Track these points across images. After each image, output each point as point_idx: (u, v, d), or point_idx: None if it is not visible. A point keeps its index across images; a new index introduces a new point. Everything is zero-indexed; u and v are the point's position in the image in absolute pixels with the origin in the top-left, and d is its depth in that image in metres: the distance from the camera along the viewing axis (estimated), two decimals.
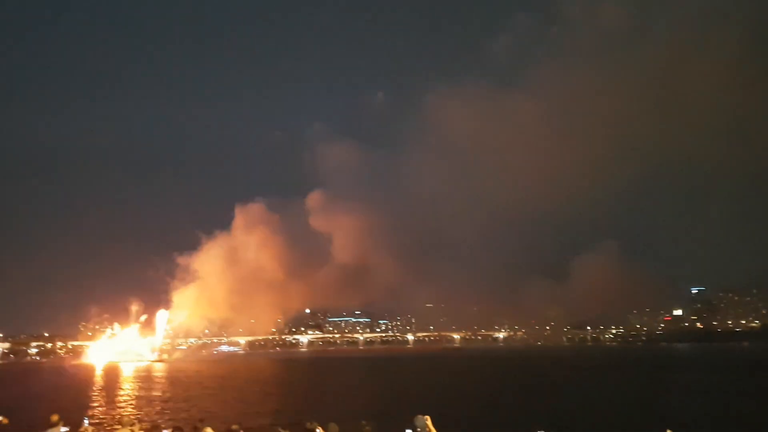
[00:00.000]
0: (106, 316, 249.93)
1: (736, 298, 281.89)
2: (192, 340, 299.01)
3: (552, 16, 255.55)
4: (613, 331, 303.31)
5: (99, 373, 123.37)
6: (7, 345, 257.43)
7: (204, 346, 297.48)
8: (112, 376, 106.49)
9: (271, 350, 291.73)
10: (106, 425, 35.30)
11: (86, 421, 12.27)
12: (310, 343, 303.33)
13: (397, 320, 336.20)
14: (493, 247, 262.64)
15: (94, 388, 76.22)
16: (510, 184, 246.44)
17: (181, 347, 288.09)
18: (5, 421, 13.53)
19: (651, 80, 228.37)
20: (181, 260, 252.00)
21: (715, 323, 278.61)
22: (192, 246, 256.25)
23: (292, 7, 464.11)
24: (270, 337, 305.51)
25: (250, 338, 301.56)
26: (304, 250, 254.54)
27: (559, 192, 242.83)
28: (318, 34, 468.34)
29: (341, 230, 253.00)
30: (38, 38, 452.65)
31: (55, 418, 11.20)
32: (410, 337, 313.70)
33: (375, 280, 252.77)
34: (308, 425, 9.80)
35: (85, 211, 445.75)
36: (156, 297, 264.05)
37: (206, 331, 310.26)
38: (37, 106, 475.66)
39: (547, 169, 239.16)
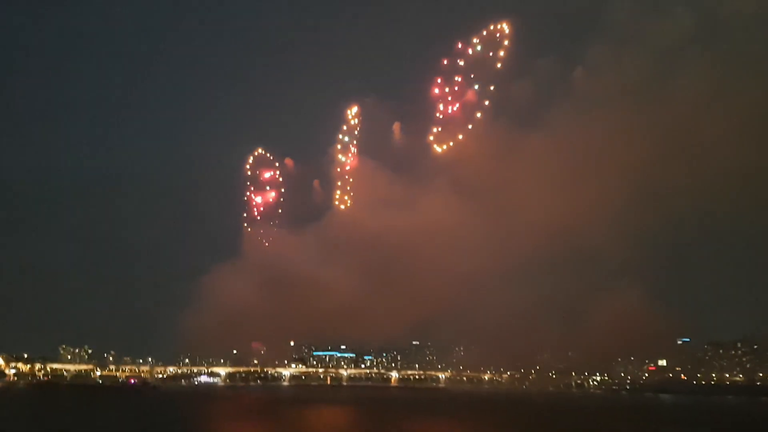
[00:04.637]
0: None
1: (722, 351, 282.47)
2: (171, 368, 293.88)
3: (574, 60, 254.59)
4: (598, 378, 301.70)
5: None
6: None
7: (183, 375, 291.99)
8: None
9: (252, 383, 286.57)
10: None
11: None
12: (293, 377, 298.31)
13: (383, 357, 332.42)
14: (502, 287, 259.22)
15: None
16: (524, 227, 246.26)
17: (159, 375, 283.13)
18: None
19: (674, 127, 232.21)
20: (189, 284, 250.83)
21: (699, 375, 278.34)
22: (198, 271, 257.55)
23: None
24: (251, 370, 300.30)
25: (231, 369, 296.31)
26: (301, 279, 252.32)
27: (576, 236, 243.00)
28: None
29: (341, 265, 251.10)
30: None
31: None
32: (394, 374, 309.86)
33: (367, 316, 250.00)
34: None
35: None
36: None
37: (186, 360, 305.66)
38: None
39: (565, 212, 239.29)
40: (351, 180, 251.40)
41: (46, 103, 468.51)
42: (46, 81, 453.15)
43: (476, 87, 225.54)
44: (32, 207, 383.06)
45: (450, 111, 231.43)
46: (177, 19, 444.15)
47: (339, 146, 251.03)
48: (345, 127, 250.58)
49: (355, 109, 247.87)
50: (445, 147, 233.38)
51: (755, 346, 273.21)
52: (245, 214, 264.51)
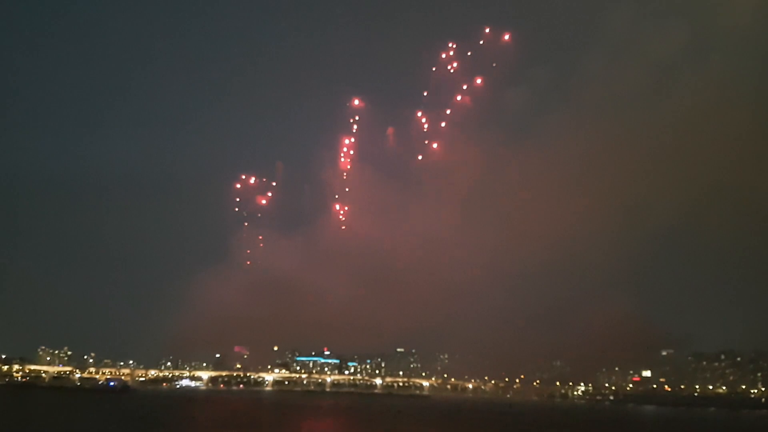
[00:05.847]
0: None
1: (705, 363, 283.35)
2: (153, 372, 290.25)
3: (570, 69, 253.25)
4: (582, 388, 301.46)
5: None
6: None
7: (164, 379, 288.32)
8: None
9: (234, 387, 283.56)
10: None
11: None
12: (276, 382, 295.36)
13: (367, 363, 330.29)
14: (490, 296, 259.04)
15: None
16: (515, 237, 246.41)
17: (140, 378, 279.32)
18: None
19: (666, 139, 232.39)
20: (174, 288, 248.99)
21: (683, 387, 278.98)
22: (184, 274, 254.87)
23: None
24: (234, 374, 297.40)
25: (213, 374, 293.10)
26: (288, 283, 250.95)
27: (566, 247, 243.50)
28: None
29: (330, 271, 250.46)
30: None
31: None
32: (378, 381, 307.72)
33: (354, 322, 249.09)
34: None
35: None
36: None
37: (168, 363, 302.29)
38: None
39: (555, 222, 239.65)
40: (346, 189, 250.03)
41: (29, 105, 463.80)
42: (39, 84, 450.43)
43: (471, 94, 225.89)
44: (15, 209, 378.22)
45: (442, 120, 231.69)
46: (169, 23, 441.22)
47: (334, 151, 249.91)
48: (340, 132, 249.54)
49: (350, 114, 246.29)
50: (436, 156, 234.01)
51: (738, 359, 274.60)
52: (233, 219, 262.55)
